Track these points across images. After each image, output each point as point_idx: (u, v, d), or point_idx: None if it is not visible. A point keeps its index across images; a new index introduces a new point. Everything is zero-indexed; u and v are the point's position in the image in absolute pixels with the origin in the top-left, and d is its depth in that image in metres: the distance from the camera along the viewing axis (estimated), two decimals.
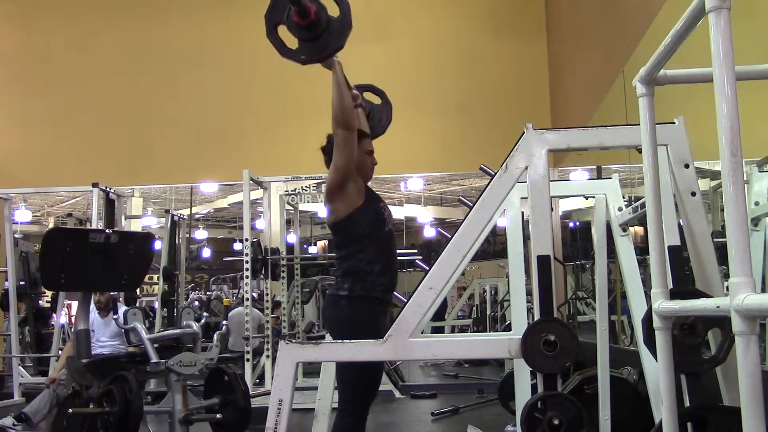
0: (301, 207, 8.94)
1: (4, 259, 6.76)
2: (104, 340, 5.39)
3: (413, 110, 7.28)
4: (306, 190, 8.14)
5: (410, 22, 7.59)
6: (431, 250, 17.43)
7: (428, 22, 7.62)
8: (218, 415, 3.38)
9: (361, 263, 2.55)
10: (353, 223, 2.58)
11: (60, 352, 7.04)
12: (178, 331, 3.96)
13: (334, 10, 2.22)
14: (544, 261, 1.88)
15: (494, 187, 1.94)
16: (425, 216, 18.76)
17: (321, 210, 12.69)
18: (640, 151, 1.63)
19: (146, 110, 7.51)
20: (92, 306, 5.40)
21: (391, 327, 1.92)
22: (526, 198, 1.95)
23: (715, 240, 1.96)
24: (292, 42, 2.25)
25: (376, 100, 2.97)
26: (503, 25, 7.42)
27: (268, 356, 6.37)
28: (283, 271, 7.38)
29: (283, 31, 2.24)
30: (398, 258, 2.75)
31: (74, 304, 7.35)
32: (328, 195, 2.61)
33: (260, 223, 12.57)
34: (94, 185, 6.54)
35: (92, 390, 3.32)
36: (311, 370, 6.61)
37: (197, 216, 18.57)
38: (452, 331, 11.64)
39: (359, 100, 2.76)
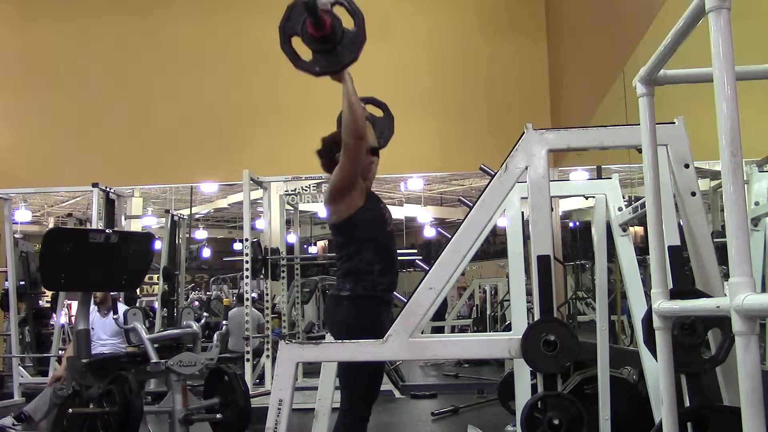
0: (301, 207, 8.94)
1: (4, 259, 6.76)
2: (105, 338, 5.39)
3: (413, 110, 7.28)
4: (306, 190, 8.15)
5: (410, 23, 7.59)
6: (431, 250, 17.43)
7: (428, 22, 7.62)
8: (218, 415, 3.38)
9: (362, 263, 2.56)
10: (354, 223, 2.58)
11: (60, 352, 7.05)
12: (178, 331, 3.96)
13: (348, 21, 2.21)
14: (544, 261, 1.88)
15: (494, 187, 1.94)
16: (425, 216, 18.77)
17: (321, 210, 12.68)
18: (640, 151, 1.63)
19: (146, 110, 7.51)
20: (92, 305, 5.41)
21: (391, 327, 1.92)
22: (526, 198, 1.95)
23: (715, 240, 1.96)
24: (302, 49, 2.23)
25: (378, 112, 2.97)
26: (503, 26, 7.42)
27: (268, 356, 6.37)
28: (283, 271, 7.38)
29: (295, 41, 2.22)
30: (398, 258, 2.75)
31: (74, 304, 7.36)
32: (331, 197, 2.60)
33: (260, 223, 12.59)
34: (94, 185, 6.54)
35: (92, 390, 3.31)
36: (311, 370, 6.61)
37: (197, 216, 18.57)
38: (452, 331, 11.64)
39: (366, 113, 2.76)
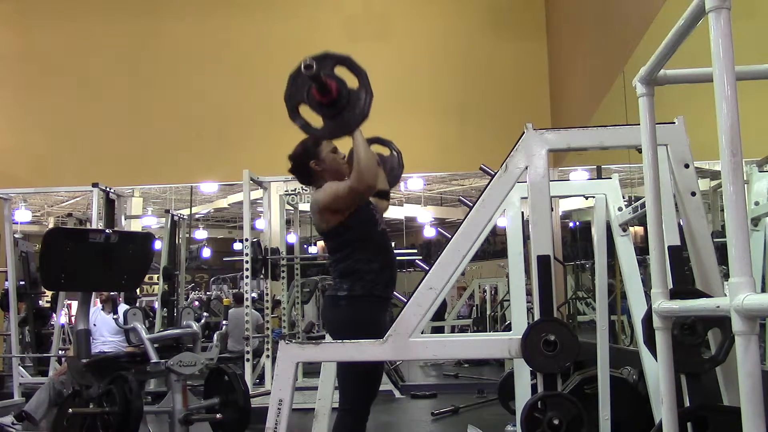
0: (301, 207, 8.93)
1: (4, 259, 6.76)
2: (107, 337, 5.40)
3: (413, 110, 7.29)
4: (306, 190, 8.13)
5: (410, 23, 7.59)
6: (431, 250, 17.43)
7: (428, 22, 7.62)
8: (218, 415, 3.38)
9: (358, 263, 2.55)
10: (345, 228, 2.58)
11: (60, 352, 7.05)
12: (178, 331, 3.97)
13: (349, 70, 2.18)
14: (544, 261, 1.88)
15: (494, 187, 1.94)
16: (425, 216, 18.78)
17: None
18: (640, 151, 1.63)
19: (146, 110, 7.51)
20: (95, 303, 5.42)
21: (391, 327, 1.91)
22: (526, 198, 1.95)
23: (715, 240, 1.96)
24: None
25: (385, 150, 2.98)
26: (503, 26, 7.42)
27: (268, 356, 6.37)
28: (283, 271, 7.38)
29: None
30: (398, 258, 2.75)
31: (74, 304, 7.36)
32: (320, 210, 2.60)
33: (260, 223, 12.59)
34: (94, 185, 6.54)
35: (92, 390, 3.32)
36: (311, 370, 6.61)
37: (197, 216, 18.58)
38: (452, 331, 11.63)
39: (375, 158, 2.76)
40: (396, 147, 2.98)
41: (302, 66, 1.98)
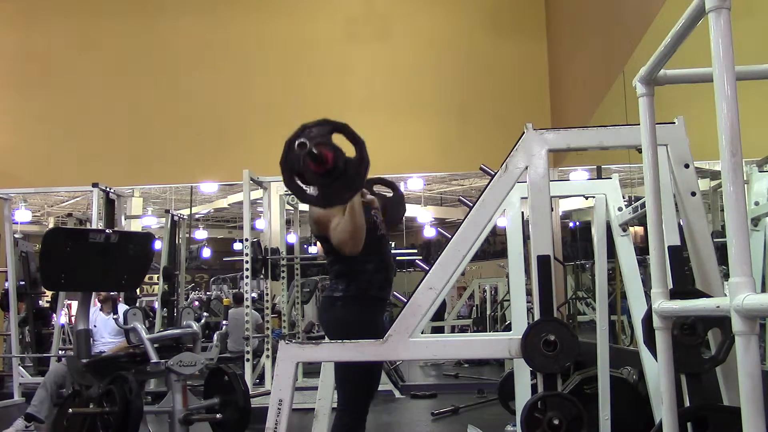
0: (301, 207, 8.93)
1: (4, 259, 6.76)
2: (107, 338, 5.40)
3: (413, 110, 7.29)
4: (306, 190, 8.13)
5: (410, 23, 7.59)
6: (431, 250, 17.43)
7: (428, 22, 7.62)
8: (218, 415, 3.38)
9: (354, 264, 2.57)
10: None
11: (60, 352, 7.05)
12: (178, 331, 3.95)
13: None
14: (544, 261, 1.88)
15: (494, 187, 1.94)
16: (425, 216, 18.78)
17: None
18: (640, 151, 1.63)
19: (146, 110, 7.51)
20: (94, 303, 5.41)
21: (391, 327, 1.91)
22: (526, 198, 1.95)
23: (715, 240, 1.96)
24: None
25: (386, 187, 3.00)
26: (503, 26, 7.42)
27: (268, 356, 6.37)
28: (283, 271, 7.38)
29: None
30: (398, 258, 2.75)
31: (74, 304, 7.36)
32: (315, 221, 2.62)
33: (260, 223, 12.57)
34: (94, 185, 6.54)
35: (92, 390, 3.31)
36: (311, 370, 6.61)
37: (197, 216, 18.58)
38: (452, 331, 11.63)
39: (375, 205, 2.77)
40: (398, 188, 3.01)
41: (296, 144, 1.98)
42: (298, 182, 2.05)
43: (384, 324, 2.67)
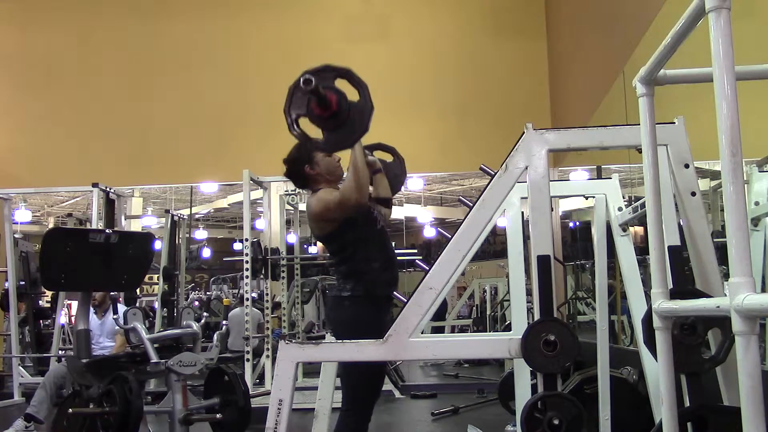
0: (301, 207, 8.93)
1: (4, 259, 6.76)
2: (103, 342, 5.38)
3: (413, 110, 7.29)
4: (305, 191, 8.13)
5: (410, 23, 7.59)
6: (431, 250, 17.43)
7: (428, 22, 7.63)
8: (218, 415, 3.38)
9: (360, 264, 2.57)
10: (341, 232, 2.59)
11: (60, 352, 7.04)
12: (178, 331, 3.95)
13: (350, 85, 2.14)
14: (544, 261, 1.88)
15: (494, 187, 1.94)
16: (425, 216, 18.78)
17: None
18: (640, 151, 1.63)
19: (146, 110, 7.51)
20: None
21: (391, 327, 1.92)
22: (526, 198, 1.95)
23: (715, 240, 1.96)
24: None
25: (387, 156, 2.97)
26: (503, 26, 7.42)
27: (268, 356, 6.37)
28: (283, 271, 7.38)
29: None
30: (398, 258, 2.76)
31: (74, 304, 7.36)
32: (313, 219, 2.63)
33: (260, 223, 12.57)
34: (94, 185, 6.54)
35: (92, 390, 3.31)
36: (311, 370, 6.61)
37: (197, 216, 18.58)
38: (452, 331, 11.63)
39: (377, 166, 2.76)
40: (399, 153, 2.98)
41: (301, 81, 1.97)
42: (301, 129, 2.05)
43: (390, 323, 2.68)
